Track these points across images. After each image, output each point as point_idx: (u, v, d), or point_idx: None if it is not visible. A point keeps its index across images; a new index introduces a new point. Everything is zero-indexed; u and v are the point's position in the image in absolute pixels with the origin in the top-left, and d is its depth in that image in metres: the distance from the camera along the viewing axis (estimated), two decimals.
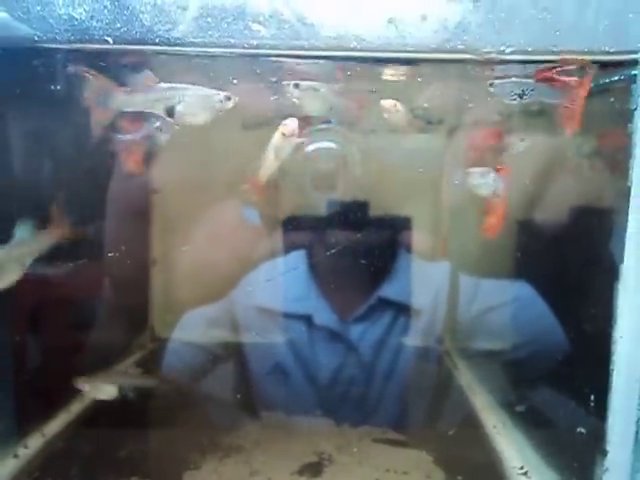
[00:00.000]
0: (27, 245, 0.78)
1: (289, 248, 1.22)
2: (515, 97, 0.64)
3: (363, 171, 1.14)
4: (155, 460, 0.90)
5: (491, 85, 0.64)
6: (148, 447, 0.94)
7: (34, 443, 0.87)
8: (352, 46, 0.51)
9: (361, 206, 1.14)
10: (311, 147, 1.15)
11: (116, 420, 0.95)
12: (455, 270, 1.26)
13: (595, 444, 0.62)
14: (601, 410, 0.59)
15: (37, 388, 0.93)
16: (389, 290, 1.23)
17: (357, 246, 1.13)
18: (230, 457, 0.90)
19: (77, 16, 0.49)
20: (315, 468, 0.87)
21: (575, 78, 0.58)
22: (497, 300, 1.20)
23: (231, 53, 0.51)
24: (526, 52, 0.52)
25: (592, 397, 0.60)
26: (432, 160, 1.14)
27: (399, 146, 1.09)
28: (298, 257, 1.24)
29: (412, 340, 1.25)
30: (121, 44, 0.50)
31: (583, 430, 0.61)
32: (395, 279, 1.24)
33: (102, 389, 0.89)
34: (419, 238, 1.23)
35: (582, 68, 0.57)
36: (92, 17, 0.49)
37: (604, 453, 0.59)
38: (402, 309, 1.23)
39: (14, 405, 0.89)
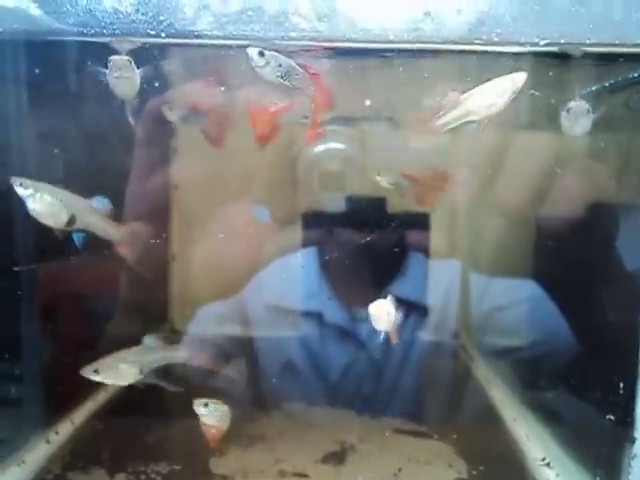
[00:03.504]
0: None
1: (300, 246, 1.23)
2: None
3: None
4: (181, 447, 0.92)
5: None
6: (173, 434, 0.96)
7: (64, 430, 0.89)
8: (389, 38, 0.53)
9: (372, 205, 1.15)
10: (319, 148, 1.16)
11: (141, 409, 0.97)
12: (467, 269, 1.27)
13: (622, 432, 0.63)
14: (629, 398, 0.60)
15: (63, 379, 0.95)
16: (400, 288, 1.23)
17: (368, 244, 1.14)
18: (254, 446, 0.92)
19: (122, 9, 0.51)
20: (339, 457, 0.89)
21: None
22: (507, 299, 1.21)
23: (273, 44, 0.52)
24: (559, 44, 0.54)
25: (621, 385, 0.60)
26: (443, 157, 1.15)
27: (407, 144, 1.10)
28: (309, 255, 1.25)
29: (423, 337, 1.26)
30: (165, 37, 0.51)
31: (612, 417, 0.62)
32: (406, 277, 1.24)
33: (120, 373, 0.79)
34: (430, 237, 1.24)
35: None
36: (137, 10, 0.51)
37: (632, 440, 0.60)
38: (413, 307, 1.24)
39: (44, 395, 0.92)
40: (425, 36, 0.52)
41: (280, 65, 0.62)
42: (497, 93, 0.58)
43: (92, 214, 0.75)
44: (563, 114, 0.72)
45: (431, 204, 0.90)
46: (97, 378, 0.76)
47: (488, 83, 0.58)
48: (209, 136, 0.86)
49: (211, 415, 0.76)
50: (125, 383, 0.79)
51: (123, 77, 0.60)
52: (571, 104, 0.71)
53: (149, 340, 0.84)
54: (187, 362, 0.87)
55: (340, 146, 1.15)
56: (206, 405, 0.76)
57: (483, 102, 0.58)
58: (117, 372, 0.78)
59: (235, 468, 0.84)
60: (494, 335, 1.25)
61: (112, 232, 0.78)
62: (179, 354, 0.87)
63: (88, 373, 0.75)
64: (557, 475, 0.81)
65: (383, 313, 0.76)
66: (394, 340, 0.78)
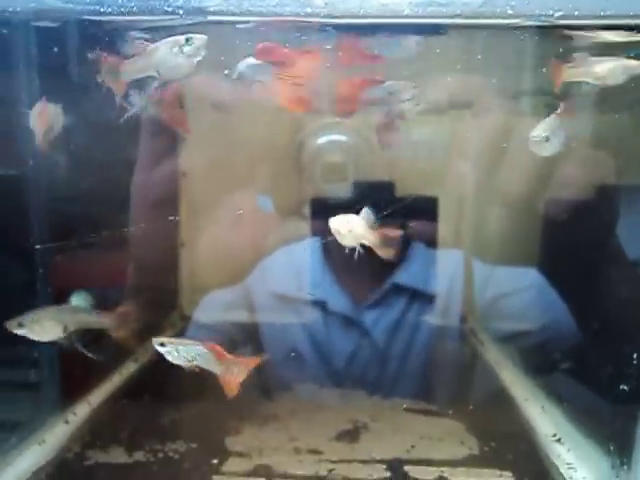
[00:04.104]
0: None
1: (304, 234, 1.24)
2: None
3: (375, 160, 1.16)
4: (196, 426, 0.94)
5: None
6: (189, 415, 0.97)
7: (82, 410, 0.91)
8: (402, 13, 0.53)
9: (376, 192, 1.16)
10: (322, 139, 1.17)
11: (156, 390, 0.99)
12: (470, 256, 1.28)
13: (634, 405, 0.64)
14: None
15: (80, 362, 0.96)
16: (403, 276, 1.24)
17: None
18: (268, 425, 0.93)
19: None
20: (352, 435, 0.90)
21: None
22: (511, 287, 1.22)
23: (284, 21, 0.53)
24: (574, 17, 0.53)
25: (634, 356, 0.61)
26: (445, 146, 1.15)
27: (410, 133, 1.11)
28: (313, 244, 1.26)
29: (432, 322, 1.26)
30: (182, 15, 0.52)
31: (625, 388, 0.63)
32: (409, 265, 1.25)
33: (44, 328, 0.76)
34: (436, 224, 1.24)
35: None
36: None
37: None
38: (416, 295, 1.24)
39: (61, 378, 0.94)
40: (439, 10, 0.52)
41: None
42: (623, 69, 0.64)
43: None
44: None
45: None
46: (20, 332, 0.74)
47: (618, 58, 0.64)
48: (174, 122, 0.88)
49: (171, 354, 0.71)
50: (47, 339, 0.76)
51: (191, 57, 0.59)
52: (533, 133, 0.73)
53: (77, 299, 0.80)
54: (111, 331, 0.83)
55: (342, 137, 1.16)
56: (162, 344, 0.71)
57: (608, 71, 0.64)
58: (41, 327, 0.75)
59: (251, 446, 0.86)
60: (501, 320, 1.26)
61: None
62: (104, 321, 0.82)
63: (12, 326, 0.73)
64: (568, 450, 0.82)
65: (344, 228, 0.72)
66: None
